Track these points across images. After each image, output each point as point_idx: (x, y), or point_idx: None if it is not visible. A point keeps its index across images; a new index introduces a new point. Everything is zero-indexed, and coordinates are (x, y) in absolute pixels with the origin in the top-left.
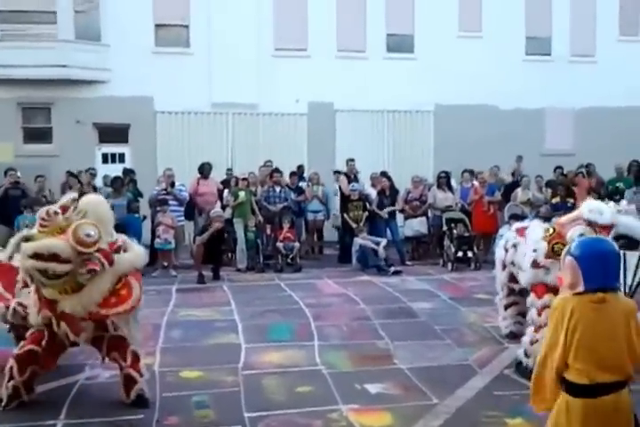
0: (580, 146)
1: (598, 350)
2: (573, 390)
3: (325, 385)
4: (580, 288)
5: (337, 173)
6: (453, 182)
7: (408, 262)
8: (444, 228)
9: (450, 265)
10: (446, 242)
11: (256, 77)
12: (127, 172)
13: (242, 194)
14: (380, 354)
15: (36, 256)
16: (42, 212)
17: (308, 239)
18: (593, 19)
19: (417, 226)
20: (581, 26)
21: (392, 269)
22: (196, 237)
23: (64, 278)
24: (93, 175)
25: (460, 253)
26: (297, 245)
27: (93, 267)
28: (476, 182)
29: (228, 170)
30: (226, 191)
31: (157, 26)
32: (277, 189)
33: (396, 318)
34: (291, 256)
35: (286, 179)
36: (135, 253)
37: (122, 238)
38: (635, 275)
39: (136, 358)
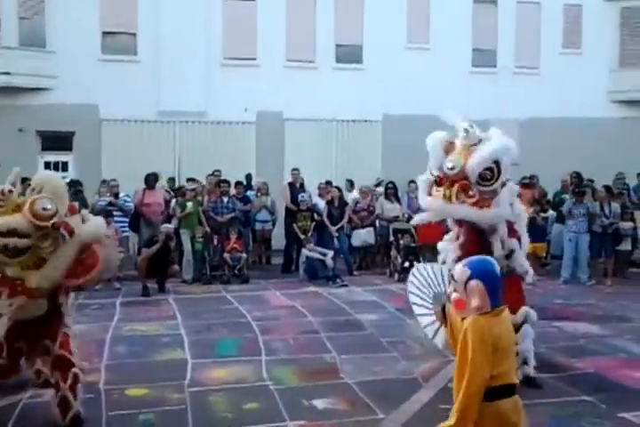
0: (524, 156)
1: (509, 355)
2: (492, 394)
3: (272, 401)
4: (488, 308)
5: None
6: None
7: (355, 272)
8: (391, 238)
9: (396, 275)
10: (393, 252)
11: (204, 86)
12: (73, 183)
13: (189, 205)
14: (326, 368)
15: None
16: None
17: (256, 249)
18: (537, 32)
19: (364, 236)
20: (526, 39)
21: (339, 282)
22: (142, 249)
23: (27, 255)
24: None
25: (406, 264)
26: (244, 255)
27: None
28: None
29: (170, 179)
30: (173, 201)
31: (104, 33)
32: (225, 199)
33: (342, 331)
34: (238, 267)
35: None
36: (95, 222)
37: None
38: None
39: (76, 380)
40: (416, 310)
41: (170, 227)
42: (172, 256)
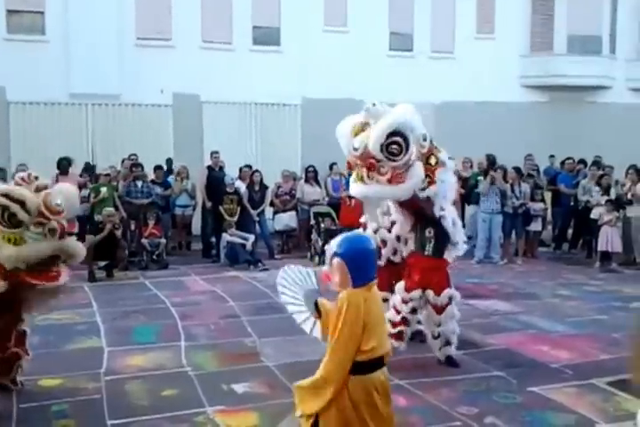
0: (439, 139)
1: (378, 329)
2: (366, 368)
3: (192, 387)
4: (348, 285)
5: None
6: None
7: (277, 256)
8: (312, 221)
9: (317, 258)
10: (314, 235)
11: (118, 67)
12: None
13: (103, 190)
14: (247, 352)
15: (5, 196)
16: (22, 174)
17: (176, 235)
18: (452, 17)
19: (286, 220)
20: (441, 23)
21: (260, 266)
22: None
23: (18, 230)
24: None
25: (326, 247)
26: (163, 241)
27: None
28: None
29: (87, 164)
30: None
31: (9, 11)
32: (139, 183)
33: (263, 315)
34: (156, 253)
35: (150, 174)
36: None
37: None
38: None
39: None
40: (289, 308)
41: (112, 211)
42: (119, 240)
